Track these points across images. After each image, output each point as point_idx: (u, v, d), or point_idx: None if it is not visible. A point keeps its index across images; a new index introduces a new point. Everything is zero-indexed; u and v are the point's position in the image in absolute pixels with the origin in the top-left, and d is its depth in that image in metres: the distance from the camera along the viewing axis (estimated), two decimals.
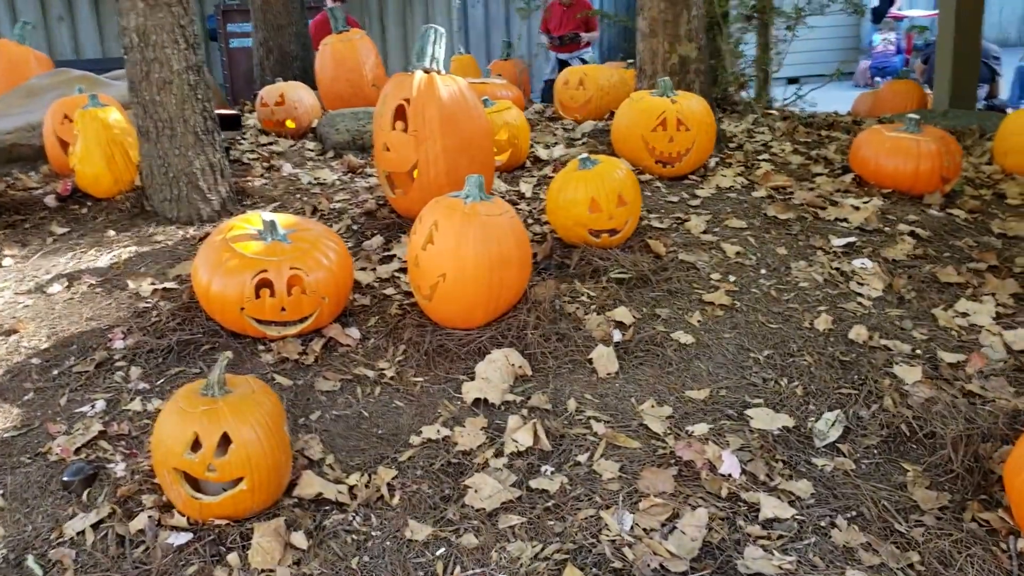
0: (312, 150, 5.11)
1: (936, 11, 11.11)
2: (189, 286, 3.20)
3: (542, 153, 4.75)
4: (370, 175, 4.58)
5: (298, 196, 4.22)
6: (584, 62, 8.37)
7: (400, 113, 3.62)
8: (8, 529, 2.24)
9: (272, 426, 2.17)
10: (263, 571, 2.05)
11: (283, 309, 2.85)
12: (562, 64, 8.54)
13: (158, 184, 3.89)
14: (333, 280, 2.91)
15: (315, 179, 4.47)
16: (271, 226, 2.93)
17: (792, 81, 8.20)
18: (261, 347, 2.94)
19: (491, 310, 2.94)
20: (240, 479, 2.12)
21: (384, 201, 3.99)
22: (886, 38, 13.95)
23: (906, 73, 10.38)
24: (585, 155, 3.50)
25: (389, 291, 3.26)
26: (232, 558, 2.08)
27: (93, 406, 2.69)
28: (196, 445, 2.12)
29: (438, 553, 2.11)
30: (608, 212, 3.34)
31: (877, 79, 13.51)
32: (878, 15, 14.49)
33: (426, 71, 3.63)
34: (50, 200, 4.08)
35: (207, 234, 3.68)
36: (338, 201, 4.12)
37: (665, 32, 4.86)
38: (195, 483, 2.16)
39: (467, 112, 3.64)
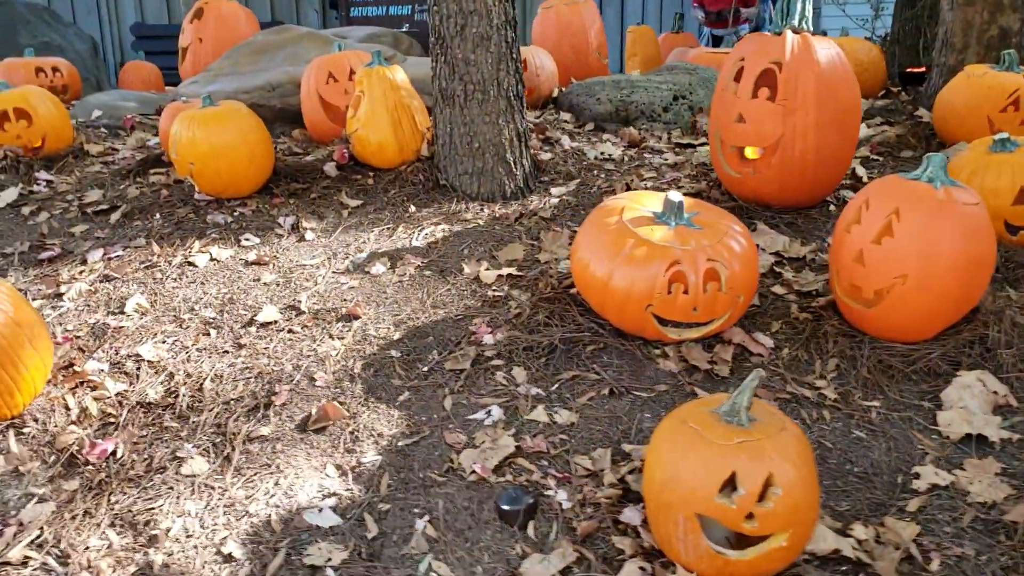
0: (568, 121, 4.66)
1: None
2: (539, 272, 2.84)
3: None
4: (658, 150, 4.11)
5: (594, 172, 3.78)
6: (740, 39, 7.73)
7: (765, 79, 3.11)
8: (455, 570, 1.84)
9: (809, 466, 1.71)
10: None
11: (695, 309, 2.39)
12: (716, 40, 7.90)
13: (459, 155, 3.50)
14: (748, 275, 2.44)
15: (601, 154, 4.01)
16: (676, 208, 2.48)
17: None
18: (655, 351, 2.49)
19: (947, 321, 2.43)
20: (773, 533, 1.67)
21: (714, 182, 3.50)
22: None
23: None
24: (1004, 135, 2.94)
25: (778, 289, 2.77)
26: None
27: (488, 413, 2.29)
28: (728, 486, 1.67)
29: None
30: None
31: None
32: None
33: (795, 31, 3.11)
34: (330, 168, 3.74)
35: (521, 214, 3.30)
36: (647, 179, 3.65)
37: (986, 0, 4.24)
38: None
39: (845, 79, 3.13)
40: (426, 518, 2.00)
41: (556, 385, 2.41)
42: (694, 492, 1.71)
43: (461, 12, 3.35)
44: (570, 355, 2.51)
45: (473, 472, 2.11)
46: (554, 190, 3.57)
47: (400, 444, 2.24)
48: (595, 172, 3.81)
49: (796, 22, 3.15)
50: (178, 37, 9.92)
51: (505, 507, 1.98)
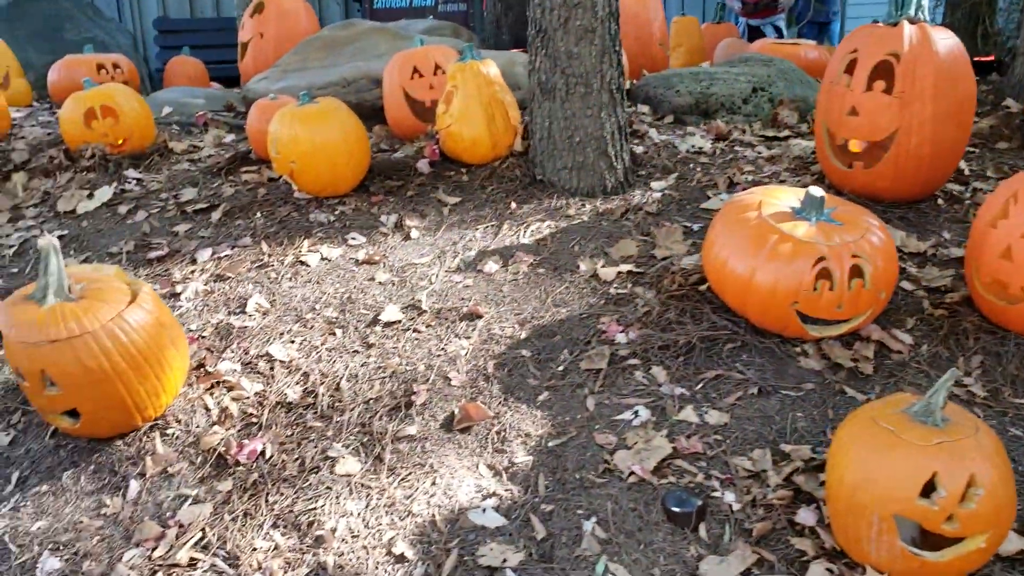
0: (646, 114, 4.65)
1: None
2: (661, 269, 2.85)
3: None
4: (747, 143, 4.09)
5: (690, 166, 3.78)
6: (778, 30, 7.68)
7: (880, 71, 3.10)
8: (632, 571, 1.85)
9: (1007, 466, 1.71)
10: None
11: (839, 306, 2.39)
12: (752, 31, 7.83)
13: (558, 150, 3.50)
14: (889, 271, 2.44)
15: (692, 147, 4.00)
16: (817, 203, 2.48)
17: None
18: (795, 349, 2.49)
19: None
20: (971, 535, 1.67)
21: (818, 175, 3.49)
22: None
23: None
24: None
25: (906, 285, 2.76)
26: None
27: (636, 414, 2.30)
28: (928, 488, 1.67)
29: None
30: None
31: None
32: None
33: (912, 21, 3.09)
34: (423, 165, 3.74)
35: (626, 209, 3.30)
36: (746, 172, 3.64)
37: None
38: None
39: (964, 70, 3.12)
40: (593, 519, 2.01)
41: (700, 385, 2.41)
42: (892, 493, 1.71)
43: (565, 5, 3.35)
44: (709, 354, 2.51)
45: (632, 473, 2.12)
46: (654, 184, 3.57)
47: (549, 444, 2.25)
48: (690, 166, 3.80)
49: (912, 12, 3.13)
50: (199, 32, 9.92)
51: (675, 508, 1.99)
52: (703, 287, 2.74)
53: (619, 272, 2.92)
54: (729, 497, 2.04)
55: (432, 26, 6.13)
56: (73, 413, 2.30)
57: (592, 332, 2.65)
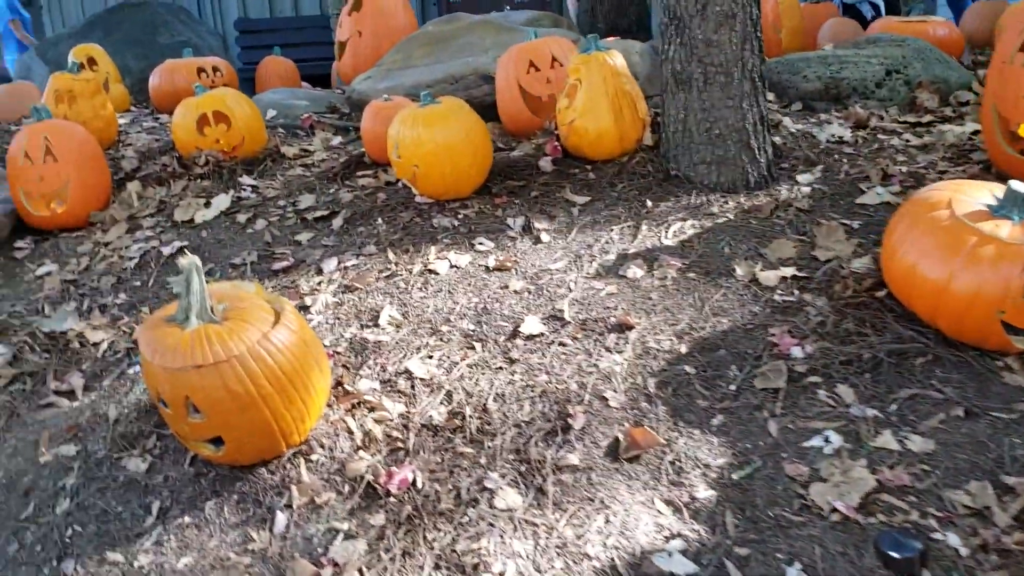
0: (772, 101, 4.35)
1: None
2: (829, 273, 2.62)
3: None
4: (890, 131, 3.77)
5: (834, 157, 3.48)
6: (875, 7, 7.20)
7: None
8: None
9: None
10: None
11: None
12: (847, 8, 7.35)
13: (695, 143, 3.25)
14: None
15: (832, 136, 3.70)
16: (1019, 199, 2.17)
17: None
18: (996, 363, 2.19)
19: None
20: None
21: (983, 164, 3.16)
22: None
23: None
24: None
25: None
26: None
27: (826, 440, 2.06)
28: None
29: None
30: None
31: None
32: None
33: None
34: (545, 163, 3.54)
35: (776, 205, 3.04)
36: (900, 163, 3.32)
37: None
38: None
39: None
40: (797, 566, 1.78)
41: (894, 405, 2.15)
42: None
43: None
44: (899, 369, 2.24)
45: (835, 511, 1.88)
46: (799, 178, 3.30)
47: (733, 477, 2.02)
48: (834, 157, 3.51)
49: None
50: (279, 31, 9.85)
51: (893, 553, 1.74)
52: (881, 293, 2.47)
53: (782, 277, 2.67)
54: (953, 539, 1.78)
55: (532, 17, 5.93)
56: (216, 440, 2.16)
57: (761, 345, 2.41)
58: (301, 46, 11.33)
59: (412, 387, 2.45)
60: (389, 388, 2.46)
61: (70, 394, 2.69)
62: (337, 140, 4.52)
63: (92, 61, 6.40)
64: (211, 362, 2.06)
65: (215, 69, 6.04)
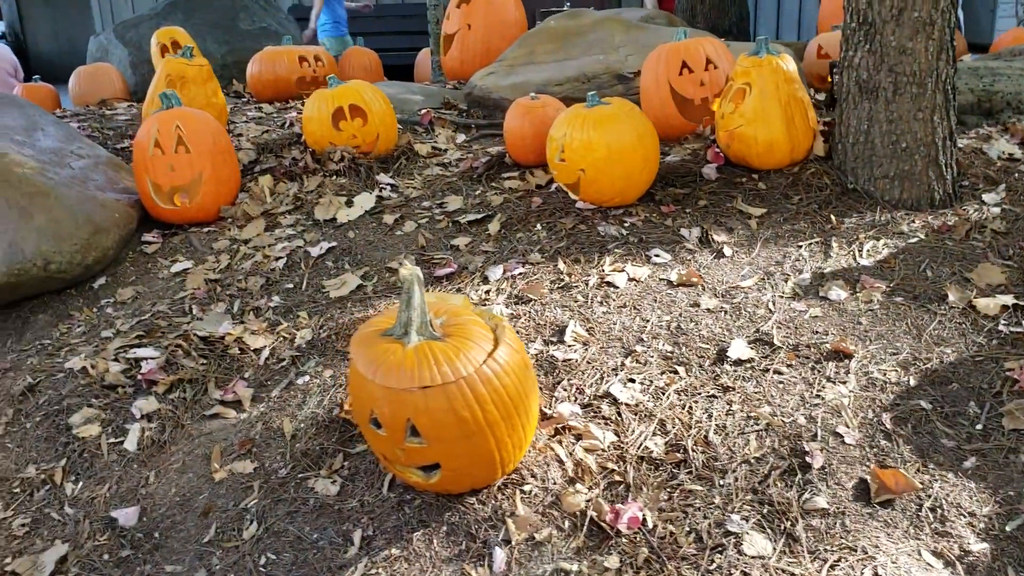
0: None
1: None
2: None
3: None
4: None
5: (1015, 176, 3.27)
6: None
7: None
8: None
9: None
10: None
11: None
12: None
13: (877, 156, 3.06)
14: None
15: (1003, 153, 3.50)
16: None
17: None
18: None
19: None
20: None
21: None
22: None
23: None
24: None
25: None
26: None
27: None
28: None
29: None
30: None
31: None
32: None
33: None
34: (709, 171, 3.36)
35: (971, 227, 2.90)
36: None
37: None
38: None
39: None
40: None
41: None
42: None
43: None
44: None
45: None
46: (986, 197, 3.10)
47: (1007, 528, 1.84)
48: (1014, 176, 3.30)
49: None
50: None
51: None
52: None
53: (1003, 305, 2.47)
54: None
55: (648, 15, 5.76)
56: (429, 467, 2.01)
57: (998, 380, 2.24)
58: (377, 35, 11.24)
59: (618, 413, 2.29)
60: (592, 414, 2.30)
61: (236, 404, 2.57)
62: (460, 138, 4.37)
63: (176, 44, 6.32)
64: (439, 383, 1.91)
65: (316, 58, 5.92)
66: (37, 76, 7.38)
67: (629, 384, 2.39)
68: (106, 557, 2.12)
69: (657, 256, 2.94)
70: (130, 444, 2.45)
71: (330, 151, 3.81)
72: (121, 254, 3.41)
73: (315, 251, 3.25)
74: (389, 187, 3.65)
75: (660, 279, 2.82)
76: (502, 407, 1.96)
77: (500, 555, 1.96)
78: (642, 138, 3.13)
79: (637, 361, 2.47)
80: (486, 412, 1.94)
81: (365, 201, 3.48)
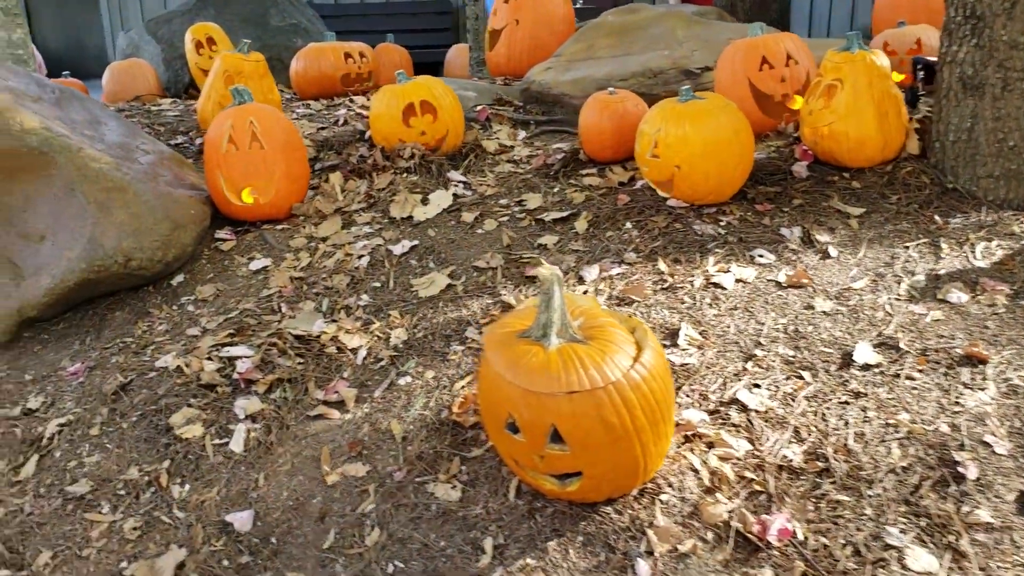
0: None
1: None
2: None
3: None
4: None
5: None
6: None
7: None
8: None
9: None
10: None
11: None
12: None
13: (981, 155, 2.98)
14: None
15: None
16: None
17: None
18: None
19: None
20: None
21: None
22: None
23: None
24: None
25: None
26: None
27: None
28: None
29: None
30: None
31: None
32: None
33: None
34: (800, 168, 3.27)
35: None
36: None
37: None
38: None
39: None
40: None
41: None
42: None
43: None
44: None
45: None
46: None
47: None
48: None
49: None
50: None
51: None
52: None
53: None
54: None
55: (699, 10, 5.67)
56: (565, 475, 1.92)
57: None
58: (407, 32, 11.16)
59: (748, 420, 2.20)
60: (721, 420, 2.21)
61: (339, 404, 2.48)
62: (521, 134, 4.27)
63: (211, 40, 6.25)
64: (587, 388, 1.83)
65: (361, 55, 5.83)
66: (67, 72, 7.28)
67: (755, 390, 2.30)
68: (225, 563, 2.04)
69: (761, 256, 2.85)
70: (235, 445, 2.36)
71: (400, 148, 3.73)
72: (197, 251, 3.32)
73: (397, 249, 3.16)
74: (462, 184, 3.57)
75: (768, 280, 2.73)
76: (649, 413, 1.88)
77: (644, 567, 1.88)
78: (738, 133, 3.04)
79: (759, 366, 2.38)
80: (635, 418, 1.85)
81: (441, 199, 3.39)
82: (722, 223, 3.06)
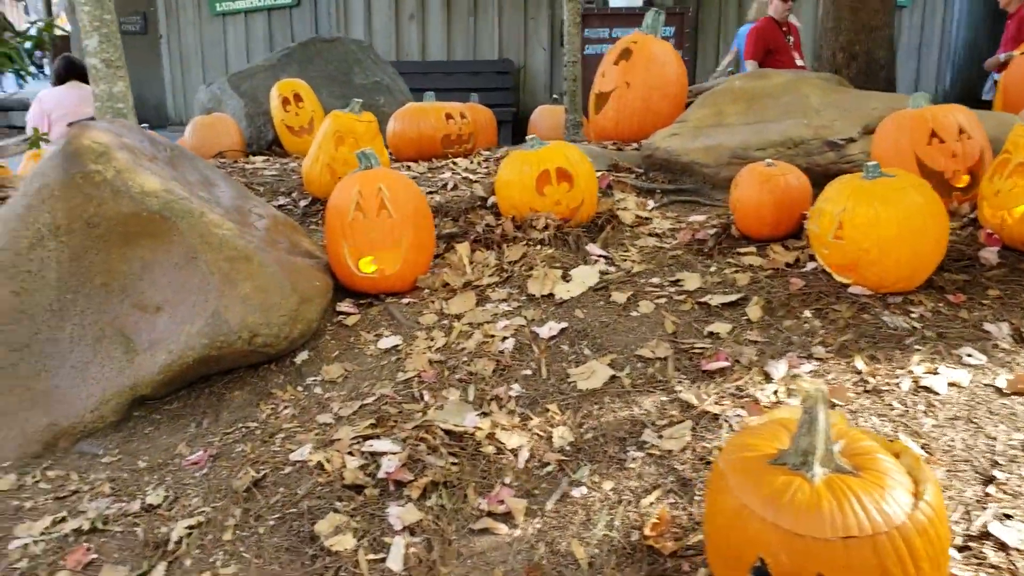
0: None
1: None
2: None
3: None
4: None
5: None
6: None
7: None
8: None
9: None
10: None
11: None
12: None
13: None
14: None
15: None
16: None
17: None
18: None
19: None
20: None
21: None
22: None
23: None
24: None
25: None
26: None
27: None
28: None
29: None
30: None
31: None
32: None
33: None
34: (988, 255, 2.95)
35: None
36: None
37: None
38: None
39: None
40: None
41: None
42: None
43: None
44: None
45: None
46: None
47: None
48: None
49: None
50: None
51: None
52: None
53: None
54: None
55: (803, 75, 5.40)
56: None
57: None
58: (466, 91, 11.05)
59: (1011, 562, 1.84)
60: (976, 561, 1.86)
61: (506, 517, 2.18)
62: (650, 204, 4.00)
63: (298, 97, 6.15)
64: (868, 533, 1.50)
65: (462, 115, 5.63)
66: (146, 124, 7.20)
67: (1007, 521, 1.94)
68: None
69: (969, 356, 2.52)
70: (393, 563, 2.06)
71: (532, 218, 3.47)
72: (321, 326, 3.06)
73: (544, 332, 2.88)
74: (603, 259, 3.29)
75: (985, 385, 2.39)
76: (934, 561, 1.53)
77: None
78: (934, 216, 2.75)
79: (1003, 492, 2.03)
80: (919, 570, 1.51)
81: (586, 276, 3.12)
82: (914, 315, 2.74)
